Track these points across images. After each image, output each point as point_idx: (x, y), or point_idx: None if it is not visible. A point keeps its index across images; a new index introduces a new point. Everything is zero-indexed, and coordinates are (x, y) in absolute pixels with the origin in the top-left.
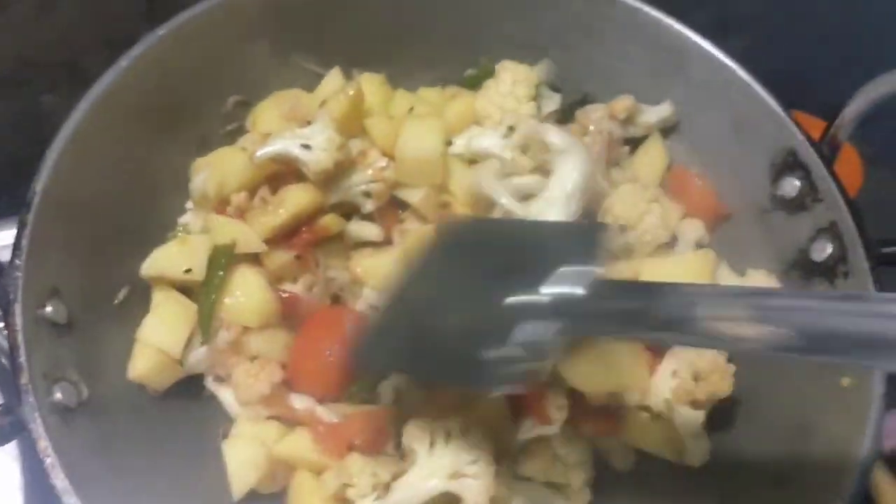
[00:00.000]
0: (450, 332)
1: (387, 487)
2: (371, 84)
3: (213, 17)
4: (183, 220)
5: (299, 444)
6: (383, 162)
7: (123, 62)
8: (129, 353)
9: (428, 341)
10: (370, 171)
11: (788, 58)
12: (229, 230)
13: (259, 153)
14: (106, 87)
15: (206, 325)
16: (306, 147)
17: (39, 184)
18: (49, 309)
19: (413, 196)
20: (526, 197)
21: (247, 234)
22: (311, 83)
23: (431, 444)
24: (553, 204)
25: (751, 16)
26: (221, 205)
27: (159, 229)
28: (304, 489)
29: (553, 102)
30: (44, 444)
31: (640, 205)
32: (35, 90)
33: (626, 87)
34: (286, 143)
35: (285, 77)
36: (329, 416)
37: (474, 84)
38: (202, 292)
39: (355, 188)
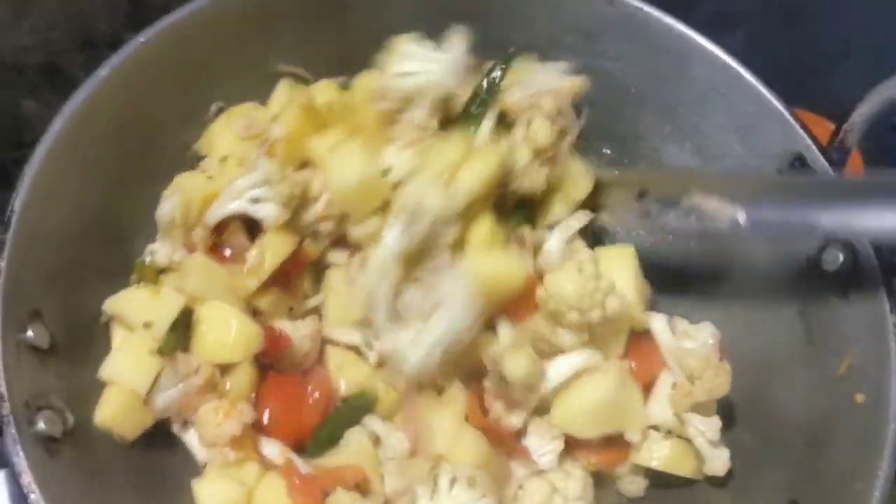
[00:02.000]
0: None
1: None
2: (326, 93)
3: (196, 21)
4: (152, 247)
5: (275, 497)
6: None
7: (103, 71)
8: None
9: None
10: (318, 206)
11: (785, 52)
12: (209, 275)
13: (209, 218)
14: (85, 98)
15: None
16: (256, 201)
17: (18, 201)
18: (30, 333)
19: (358, 231)
20: (405, 317)
21: (225, 284)
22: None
23: (434, 489)
24: (416, 346)
25: (749, 10)
26: (191, 243)
27: (146, 246)
28: None
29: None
30: (27, 478)
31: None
32: (15, 94)
33: (627, 89)
34: (236, 203)
35: (270, 83)
36: (304, 467)
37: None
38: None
39: (310, 225)
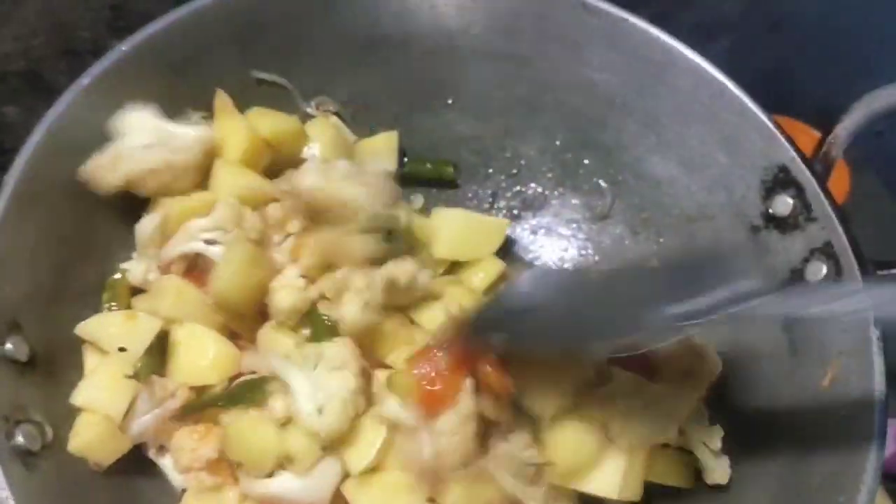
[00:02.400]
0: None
1: None
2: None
3: (178, 30)
4: (125, 265)
5: None
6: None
7: (84, 80)
8: None
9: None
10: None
11: (770, 60)
12: (184, 298)
13: (165, 255)
14: (66, 106)
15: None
16: (211, 243)
17: None
18: (9, 346)
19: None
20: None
21: (200, 306)
22: (279, 99)
23: None
24: None
25: (733, 19)
26: (166, 264)
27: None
28: None
29: None
30: (4, 494)
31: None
32: None
33: (611, 99)
34: (191, 244)
35: (252, 93)
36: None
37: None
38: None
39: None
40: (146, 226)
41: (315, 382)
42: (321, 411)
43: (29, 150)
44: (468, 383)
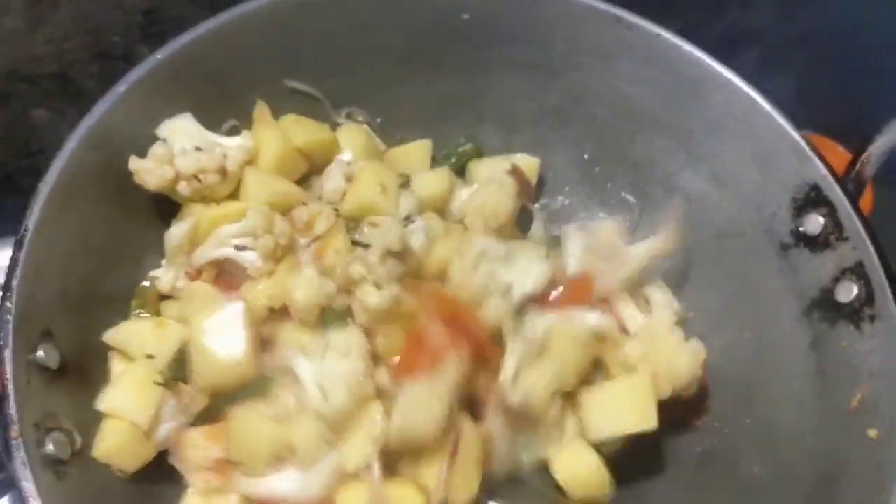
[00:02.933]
0: None
1: None
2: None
3: (213, 39)
4: (155, 273)
5: None
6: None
7: (120, 87)
8: None
9: None
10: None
11: (794, 75)
12: (211, 304)
13: (195, 260)
14: (101, 114)
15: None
16: (241, 248)
17: (31, 220)
18: (41, 353)
19: None
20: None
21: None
22: (309, 108)
23: None
24: None
25: (763, 31)
26: (194, 271)
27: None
28: None
29: None
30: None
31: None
32: (26, 103)
33: (642, 112)
34: (222, 250)
35: (283, 102)
36: None
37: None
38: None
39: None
40: (176, 233)
41: (322, 370)
42: (326, 394)
43: (64, 156)
44: (455, 357)
